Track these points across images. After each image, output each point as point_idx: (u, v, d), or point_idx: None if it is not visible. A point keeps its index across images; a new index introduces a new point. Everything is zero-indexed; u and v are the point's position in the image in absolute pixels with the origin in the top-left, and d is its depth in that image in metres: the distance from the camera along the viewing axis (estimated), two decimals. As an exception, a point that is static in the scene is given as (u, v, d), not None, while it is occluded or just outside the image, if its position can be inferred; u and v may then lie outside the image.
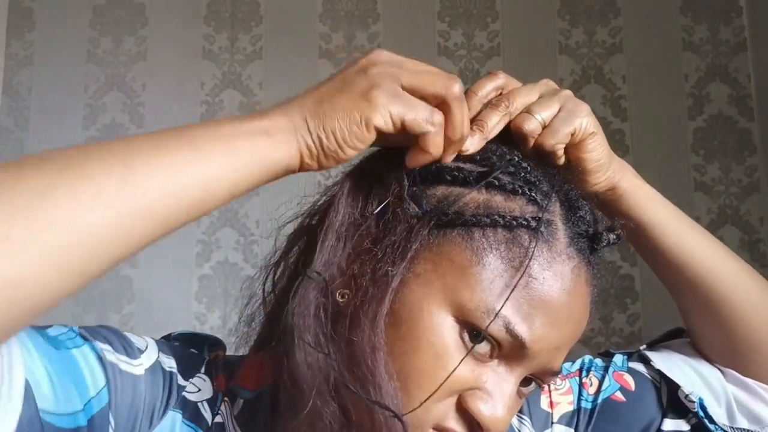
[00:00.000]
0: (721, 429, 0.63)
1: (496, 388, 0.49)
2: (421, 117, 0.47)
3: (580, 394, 0.66)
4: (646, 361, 0.67)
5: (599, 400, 0.65)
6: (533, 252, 0.48)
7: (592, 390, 0.66)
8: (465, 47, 1.81)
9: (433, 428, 0.48)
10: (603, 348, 1.67)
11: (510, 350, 0.48)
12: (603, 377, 0.66)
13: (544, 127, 0.53)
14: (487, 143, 0.53)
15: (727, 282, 0.63)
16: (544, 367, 0.50)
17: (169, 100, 1.83)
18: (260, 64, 1.81)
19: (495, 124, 0.52)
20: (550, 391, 0.65)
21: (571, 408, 0.65)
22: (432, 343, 0.47)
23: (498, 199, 0.50)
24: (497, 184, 0.50)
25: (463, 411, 0.49)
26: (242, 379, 0.56)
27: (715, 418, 0.63)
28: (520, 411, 0.63)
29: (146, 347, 0.54)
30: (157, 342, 0.56)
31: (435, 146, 0.48)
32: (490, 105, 0.53)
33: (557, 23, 1.82)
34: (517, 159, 0.52)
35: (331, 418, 0.48)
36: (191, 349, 0.58)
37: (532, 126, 0.52)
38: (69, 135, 1.81)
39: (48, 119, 1.84)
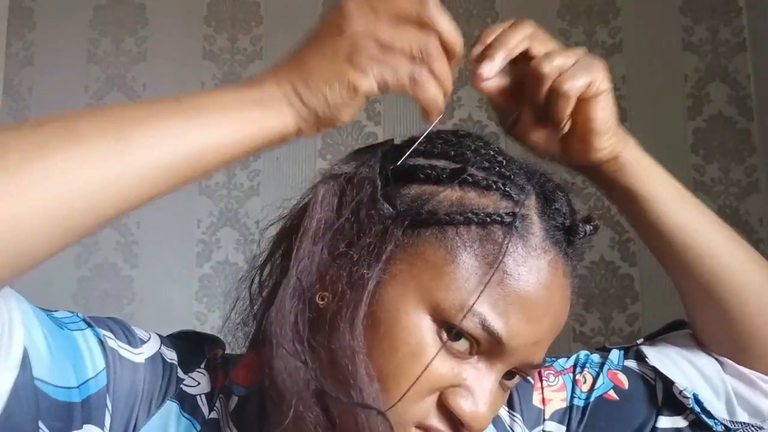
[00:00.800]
0: (721, 423, 0.62)
1: (477, 385, 0.49)
2: (403, 74, 0.47)
3: (573, 391, 0.65)
4: (641, 358, 0.66)
5: (592, 399, 0.64)
6: (507, 248, 0.48)
7: (585, 387, 0.65)
8: (465, 47, 1.81)
9: (416, 427, 0.48)
10: (603, 348, 1.68)
11: (488, 347, 0.48)
12: (597, 375, 0.66)
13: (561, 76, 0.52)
14: (462, 138, 0.54)
15: (729, 265, 0.60)
16: (524, 362, 0.50)
17: (170, 100, 1.83)
18: (260, 65, 1.82)
19: (516, 44, 0.53)
20: (542, 388, 0.64)
21: (563, 405, 0.65)
22: (409, 343, 0.47)
23: (472, 196, 0.50)
24: (471, 180, 0.50)
25: (444, 409, 0.48)
26: (237, 376, 0.56)
27: (714, 413, 0.62)
28: (512, 408, 0.63)
29: (149, 339, 0.55)
30: (161, 336, 0.56)
31: (431, 96, 0.49)
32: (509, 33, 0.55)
33: (557, 23, 1.82)
34: (492, 153, 0.53)
35: (315, 423, 0.48)
36: (193, 346, 0.58)
37: (549, 68, 0.52)
38: (69, 135, 1.81)
39: (48, 119, 1.84)
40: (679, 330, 0.69)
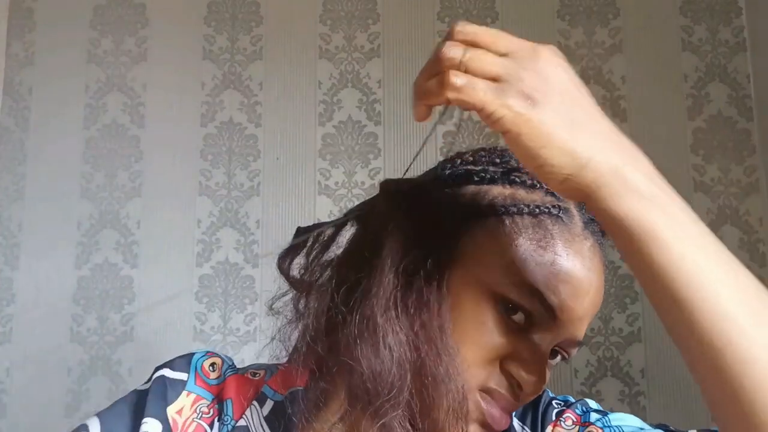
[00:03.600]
0: None
1: (532, 356, 0.55)
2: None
3: None
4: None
5: None
6: (556, 232, 0.55)
7: None
8: (465, 47, 1.81)
9: (480, 389, 0.55)
10: (603, 348, 1.67)
11: (541, 320, 0.55)
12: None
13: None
14: (502, 151, 0.61)
15: (728, 311, 0.43)
16: (570, 337, 0.57)
17: (170, 100, 1.83)
18: (260, 65, 1.82)
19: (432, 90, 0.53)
20: (558, 425, 0.65)
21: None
22: (475, 314, 0.54)
23: (521, 192, 0.58)
24: (519, 180, 0.58)
25: (505, 374, 0.55)
26: (275, 383, 0.62)
27: None
28: (524, 421, 0.66)
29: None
30: (100, 417, 0.61)
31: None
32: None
33: (557, 23, 1.82)
34: None
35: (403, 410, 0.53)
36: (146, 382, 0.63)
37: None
38: (69, 135, 1.81)
39: (48, 119, 1.84)
40: None
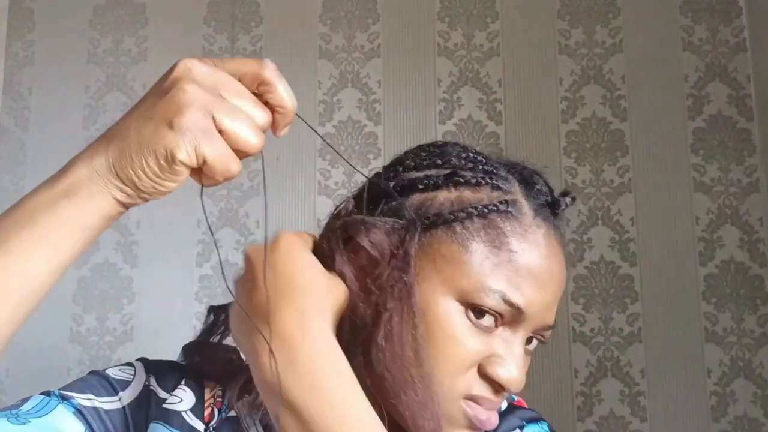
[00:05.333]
0: None
1: (507, 352, 0.56)
2: (230, 159, 0.46)
3: None
4: None
5: None
6: (508, 229, 0.56)
7: None
8: (465, 47, 1.81)
9: (465, 398, 0.55)
10: (603, 348, 1.67)
11: (510, 318, 0.55)
12: None
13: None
14: (443, 147, 0.61)
15: None
16: (540, 325, 0.58)
17: (170, 100, 1.83)
18: (260, 65, 1.81)
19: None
20: None
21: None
22: (444, 327, 0.54)
23: (467, 194, 0.57)
24: (462, 181, 0.58)
25: (484, 377, 0.56)
26: None
27: None
28: None
29: (132, 377, 0.60)
30: (146, 365, 0.62)
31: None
32: None
33: (557, 23, 1.82)
34: (472, 154, 0.60)
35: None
36: (169, 365, 0.64)
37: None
38: (69, 135, 1.81)
39: (48, 119, 1.84)
40: None
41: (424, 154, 0.62)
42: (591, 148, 1.75)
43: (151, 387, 0.60)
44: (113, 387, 0.59)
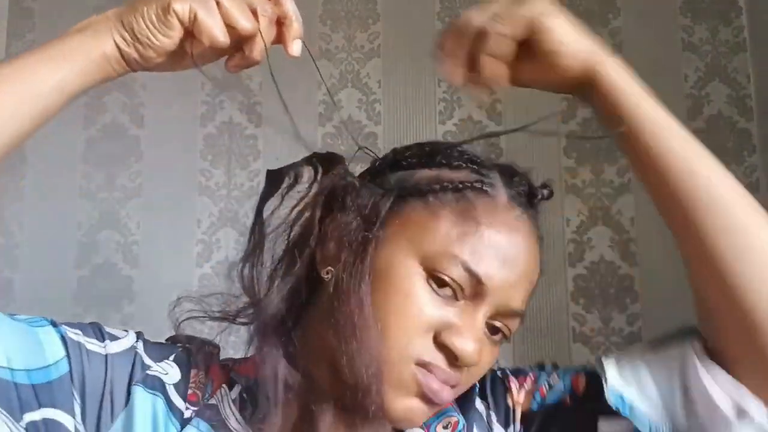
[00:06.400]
0: (655, 426, 0.57)
1: (466, 324, 0.56)
2: (217, 26, 0.53)
3: (533, 396, 0.66)
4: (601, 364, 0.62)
5: (548, 403, 0.64)
6: (480, 204, 0.57)
7: (545, 393, 0.66)
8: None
9: (416, 363, 0.56)
10: (603, 348, 1.67)
11: (471, 290, 0.56)
12: (562, 378, 0.65)
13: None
14: (435, 141, 0.64)
15: (714, 202, 0.53)
16: (503, 306, 0.58)
17: (169, 100, 1.83)
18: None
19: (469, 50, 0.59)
20: (511, 389, 0.67)
21: (528, 407, 0.67)
22: (403, 286, 0.56)
23: (446, 172, 0.60)
24: (445, 162, 0.60)
25: (440, 346, 0.56)
26: (243, 370, 0.64)
27: (647, 416, 0.57)
28: (484, 397, 0.66)
29: (124, 336, 0.62)
30: (139, 333, 0.64)
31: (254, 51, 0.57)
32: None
33: (557, 23, 1.82)
34: (460, 148, 0.62)
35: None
36: (163, 343, 0.66)
37: (482, 17, 0.57)
38: (69, 135, 1.81)
39: (48, 119, 1.84)
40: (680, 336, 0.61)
41: (415, 146, 0.64)
42: (591, 148, 1.75)
43: (137, 350, 0.61)
44: (102, 335, 0.60)
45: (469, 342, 0.56)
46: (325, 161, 0.63)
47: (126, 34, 0.54)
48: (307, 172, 0.64)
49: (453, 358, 0.56)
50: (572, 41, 0.56)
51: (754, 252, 0.52)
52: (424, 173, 0.60)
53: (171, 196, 1.76)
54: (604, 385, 0.59)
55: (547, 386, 0.66)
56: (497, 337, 0.59)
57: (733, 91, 1.77)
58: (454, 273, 0.55)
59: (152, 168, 1.79)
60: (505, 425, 0.66)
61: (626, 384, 0.59)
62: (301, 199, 0.62)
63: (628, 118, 0.56)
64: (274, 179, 0.65)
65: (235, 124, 1.81)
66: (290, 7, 0.57)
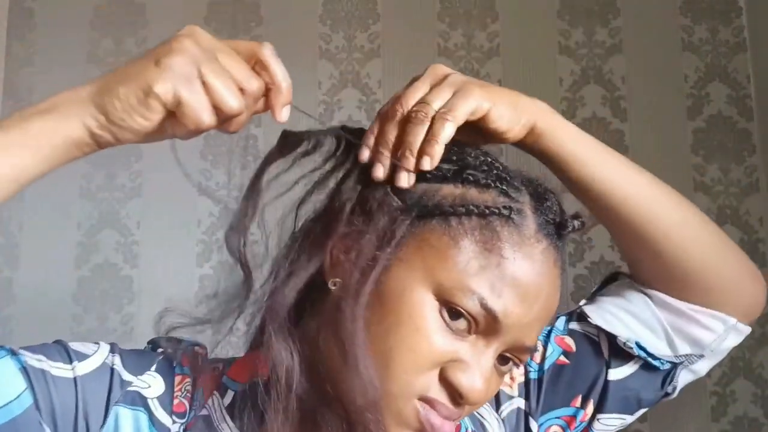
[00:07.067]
0: (667, 361, 0.67)
1: (475, 361, 0.53)
2: (203, 108, 0.48)
3: (528, 364, 0.68)
4: (583, 319, 0.70)
5: (545, 368, 0.69)
6: (504, 234, 0.54)
7: (537, 359, 0.69)
8: (465, 48, 1.81)
9: (419, 399, 0.53)
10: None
11: (485, 325, 0.53)
12: (546, 344, 0.70)
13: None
14: (463, 146, 0.58)
15: (651, 206, 0.64)
16: (517, 342, 0.55)
17: (170, 101, 1.83)
18: (260, 65, 1.81)
19: (413, 139, 0.55)
20: None
21: (522, 379, 0.69)
22: (413, 318, 0.52)
23: (472, 192, 0.56)
24: (472, 179, 0.56)
25: (445, 382, 0.53)
26: (233, 373, 0.61)
27: (657, 353, 0.67)
28: None
29: (94, 352, 0.58)
30: (113, 345, 0.60)
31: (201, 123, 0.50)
32: (390, 125, 0.57)
33: (557, 24, 1.82)
34: (490, 159, 0.58)
35: (312, 407, 0.54)
36: (141, 351, 0.62)
37: (425, 116, 0.55)
38: (69, 135, 1.81)
39: (48, 119, 1.84)
40: (615, 281, 0.73)
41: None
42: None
43: (114, 367, 0.57)
44: (69, 356, 0.56)
45: (477, 381, 0.53)
46: (355, 137, 0.59)
47: (101, 117, 0.49)
48: (328, 144, 0.60)
49: (458, 396, 0.53)
50: (513, 117, 0.58)
51: (664, 221, 0.64)
52: (449, 190, 0.56)
53: (171, 196, 1.76)
54: (618, 338, 0.67)
55: (540, 353, 0.69)
56: (506, 368, 0.57)
57: (733, 91, 1.77)
58: (470, 307, 0.52)
59: (152, 168, 1.79)
60: (496, 408, 0.67)
61: (629, 332, 0.67)
62: (325, 177, 0.59)
63: (567, 151, 0.61)
64: (289, 141, 0.60)
65: (235, 124, 1.81)
66: (279, 73, 0.52)
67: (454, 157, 0.57)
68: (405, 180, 0.55)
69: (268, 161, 0.61)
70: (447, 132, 0.54)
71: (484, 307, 0.52)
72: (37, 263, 1.76)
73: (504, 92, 0.58)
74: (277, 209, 0.60)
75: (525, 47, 1.81)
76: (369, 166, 0.57)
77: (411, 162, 0.55)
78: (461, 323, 0.53)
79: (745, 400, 1.63)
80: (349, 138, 0.59)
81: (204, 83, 0.48)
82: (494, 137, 0.59)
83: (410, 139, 0.55)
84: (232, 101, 0.49)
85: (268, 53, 0.51)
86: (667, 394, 0.70)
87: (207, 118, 0.48)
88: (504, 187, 0.56)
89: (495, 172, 0.57)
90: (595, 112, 1.77)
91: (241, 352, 0.62)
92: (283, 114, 0.53)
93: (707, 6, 1.81)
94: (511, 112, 0.58)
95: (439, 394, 0.53)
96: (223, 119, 0.50)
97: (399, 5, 1.85)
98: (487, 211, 0.54)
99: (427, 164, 0.54)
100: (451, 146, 0.57)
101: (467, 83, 0.56)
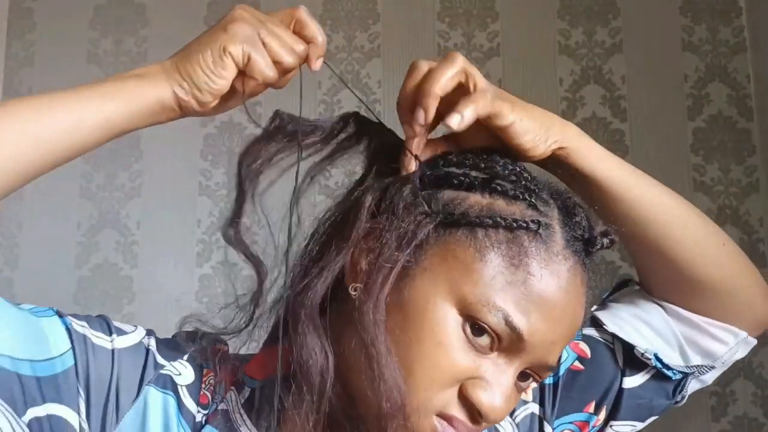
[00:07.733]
0: (679, 372, 0.68)
1: (496, 379, 0.52)
2: (268, 64, 0.55)
3: None
4: (598, 325, 0.70)
5: (560, 373, 0.68)
6: (532, 251, 0.52)
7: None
8: (465, 47, 1.81)
9: (437, 415, 0.52)
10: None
11: (509, 343, 0.52)
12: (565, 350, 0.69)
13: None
14: (491, 154, 0.59)
15: (670, 221, 0.65)
16: (540, 361, 0.54)
17: (170, 101, 1.83)
18: (260, 65, 1.82)
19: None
20: None
21: (535, 384, 0.67)
22: (435, 332, 0.51)
23: (500, 203, 0.54)
24: (500, 189, 0.55)
25: (464, 399, 0.52)
26: (250, 370, 0.61)
27: (671, 363, 0.68)
28: None
29: (133, 331, 0.59)
30: (149, 330, 0.60)
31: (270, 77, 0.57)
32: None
33: (557, 23, 1.82)
34: (518, 169, 0.57)
35: (336, 407, 0.53)
36: (175, 340, 0.62)
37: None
38: (69, 135, 1.81)
39: (48, 119, 1.84)
40: (626, 288, 0.75)
41: (470, 154, 0.59)
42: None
43: (149, 348, 0.58)
44: (110, 329, 0.57)
45: (497, 399, 0.52)
46: (368, 126, 0.62)
47: (185, 83, 0.55)
48: (332, 130, 0.63)
49: (477, 414, 0.52)
50: (540, 133, 0.58)
51: (686, 240, 0.66)
52: (476, 200, 0.54)
53: (171, 196, 1.76)
54: (636, 348, 0.67)
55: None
56: (525, 384, 0.56)
57: (733, 91, 1.77)
58: (494, 323, 0.51)
59: (152, 168, 1.79)
60: (510, 412, 0.66)
61: (645, 341, 0.68)
62: (325, 159, 0.63)
63: (598, 171, 0.62)
64: (283, 122, 0.62)
65: (235, 124, 1.81)
66: (315, 29, 0.60)
67: (482, 165, 0.57)
68: (457, 120, 0.57)
69: (256, 143, 0.63)
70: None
71: (509, 324, 0.51)
72: (37, 263, 1.76)
73: (536, 110, 0.59)
74: (279, 197, 0.61)
75: (525, 47, 1.81)
76: (393, 159, 0.59)
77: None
78: (484, 339, 0.52)
79: (745, 400, 1.64)
80: (358, 126, 0.62)
81: (264, 44, 0.55)
82: (517, 154, 0.58)
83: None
84: (288, 57, 0.56)
85: (303, 14, 0.59)
86: (676, 402, 0.72)
87: (270, 71, 0.55)
88: (533, 200, 0.55)
89: (523, 182, 0.56)
90: (595, 112, 1.77)
91: (256, 348, 0.62)
92: (317, 64, 0.60)
93: (707, 6, 1.81)
94: (537, 129, 0.58)
95: (458, 411, 0.52)
96: (281, 74, 0.57)
97: (399, 5, 1.86)
98: (515, 225, 0.52)
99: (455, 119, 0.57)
100: (481, 153, 0.58)
101: (496, 98, 0.58)
